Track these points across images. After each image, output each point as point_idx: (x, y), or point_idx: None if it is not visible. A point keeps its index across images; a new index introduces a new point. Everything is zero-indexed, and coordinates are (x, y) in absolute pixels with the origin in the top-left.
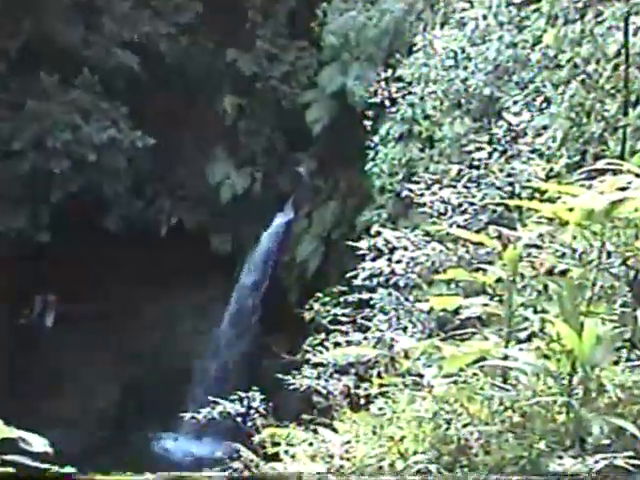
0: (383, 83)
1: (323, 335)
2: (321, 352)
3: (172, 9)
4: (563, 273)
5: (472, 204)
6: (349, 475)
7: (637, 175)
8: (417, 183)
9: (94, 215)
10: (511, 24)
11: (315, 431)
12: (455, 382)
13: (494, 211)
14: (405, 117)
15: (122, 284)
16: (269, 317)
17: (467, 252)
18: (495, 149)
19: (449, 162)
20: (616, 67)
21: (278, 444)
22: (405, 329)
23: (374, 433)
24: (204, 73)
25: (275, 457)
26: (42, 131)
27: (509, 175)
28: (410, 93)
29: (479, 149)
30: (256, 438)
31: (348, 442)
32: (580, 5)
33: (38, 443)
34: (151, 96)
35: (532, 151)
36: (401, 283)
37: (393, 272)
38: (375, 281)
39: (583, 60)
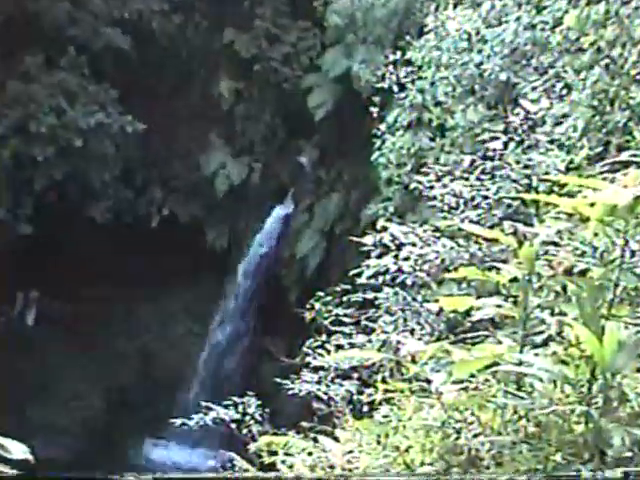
0: (391, 67)
1: (324, 337)
2: (322, 355)
3: None
4: (583, 273)
5: (486, 198)
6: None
7: None
8: (427, 175)
9: (80, 205)
10: (530, 4)
11: (315, 440)
12: (465, 389)
13: (509, 205)
14: (414, 104)
15: (110, 280)
16: (267, 317)
17: (480, 249)
18: (511, 139)
19: (461, 152)
20: None
21: (275, 453)
22: (412, 331)
23: (378, 442)
24: (199, 54)
25: (272, 467)
26: (25, 115)
27: (526, 167)
28: (420, 78)
29: (494, 139)
30: (252, 447)
31: (350, 452)
32: None
33: (17, 450)
34: (142, 79)
35: (551, 141)
36: (408, 282)
37: (400, 270)
38: (380, 279)
39: (607, 44)
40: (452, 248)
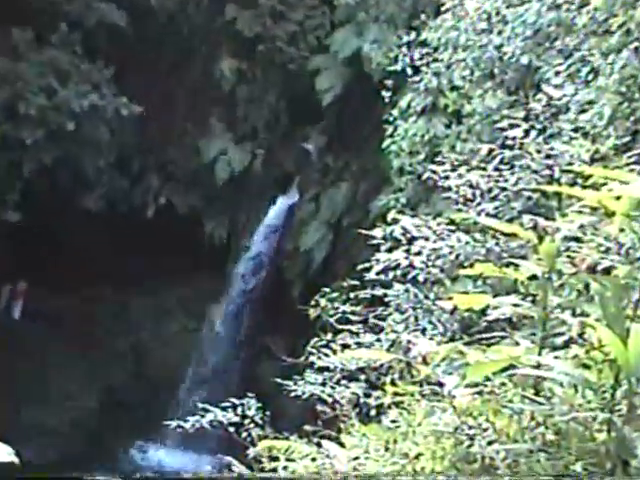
0: (405, 48)
1: (329, 335)
2: (327, 355)
3: None
4: (607, 271)
5: (504, 189)
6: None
7: None
8: (441, 164)
9: (72, 193)
10: None
11: (319, 445)
12: (480, 393)
13: (529, 198)
14: (429, 88)
15: (102, 273)
16: (268, 314)
17: (497, 244)
18: (532, 126)
19: (479, 141)
20: None
21: (276, 459)
22: (424, 331)
23: (386, 449)
24: (200, 32)
25: (272, 473)
26: (13, 95)
27: (547, 157)
28: (436, 60)
29: (514, 126)
30: (251, 451)
31: (356, 458)
32: None
33: (2, 452)
34: (138, 58)
35: (575, 130)
36: (420, 278)
37: (411, 265)
38: (390, 275)
39: (637, 25)
40: (467, 243)
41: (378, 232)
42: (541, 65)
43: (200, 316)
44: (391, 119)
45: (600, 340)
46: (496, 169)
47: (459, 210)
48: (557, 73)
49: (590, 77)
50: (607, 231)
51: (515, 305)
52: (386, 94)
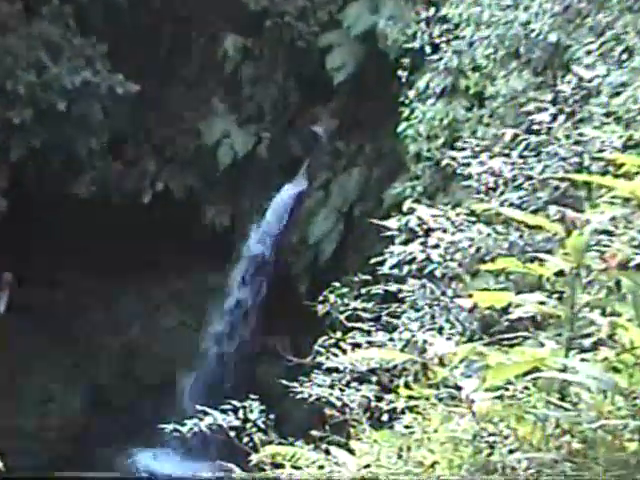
0: (423, 24)
1: (339, 334)
2: (336, 355)
3: None
4: None
5: (529, 178)
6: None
7: None
8: (461, 150)
9: (62, 178)
10: None
11: (327, 451)
12: (501, 397)
13: (556, 187)
14: (449, 67)
15: (93, 264)
16: (273, 310)
17: (521, 237)
18: (560, 110)
19: (502, 125)
20: None
21: (281, 466)
22: (441, 330)
23: (399, 457)
24: (202, 7)
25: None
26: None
27: (577, 143)
28: (457, 38)
29: (540, 110)
30: (254, 458)
31: (367, 466)
32: None
33: None
34: (135, 32)
35: (607, 114)
36: (438, 273)
37: (428, 259)
38: (405, 269)
39: None
40: (489, 235)
41: (392, 223)
42: (571, 44)
43: (198, 311)
44: (408, 101)
45: (632, 342)
46: (521, 156)
47: (480, 200)
48: (588, 52)
49: (624, 57)
50: None
51: (540, 303)
52: (402, 74)
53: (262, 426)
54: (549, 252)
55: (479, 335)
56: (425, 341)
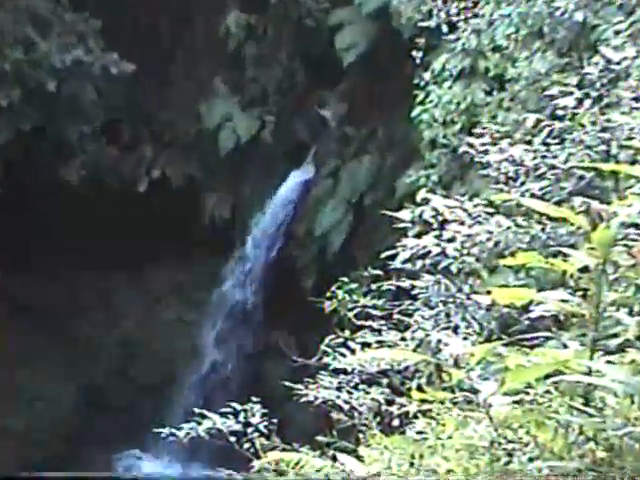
0: (440, 1)
1: (347, 333)
2: (344, 355)
3: None
4: None
5: (552, 167)
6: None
7: None
8: (480, 136)
9: (52, 164)
10: None
11: (334, 458)
12: (520, 402)
13: (582, 177)
14: (468, 48)
15: (86, 255)
16: (277, 307)
17: (543, 230)
18: (586, 94)
19: (524, 110)
20: None
21: (284, 473)
22: (456, 329)
23: (411, 464)
24: None
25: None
26: None
27: (604, 130)
28: (476, 16)
29: (565, 94)
30: (255, 464)
31: (377, 474)
32: None
33: None
34: (132, 7)
35: (636, 99)
36: (453, 268)
37: (443, 253)
38: (419, 264)
39: None
40: (509, 228)
41: (405, 214)
42: (598, 23)
43: (198, 306)
44: (423, 83)
45: None
46: (544, 143)
47: (499, 190)
48: (617, 33)
49: None
50: None
51: (563, 301)
52: (417, 54)
53: (264, 431)
54: (573, 246)
55: (497, 335)
56: (439, 341)
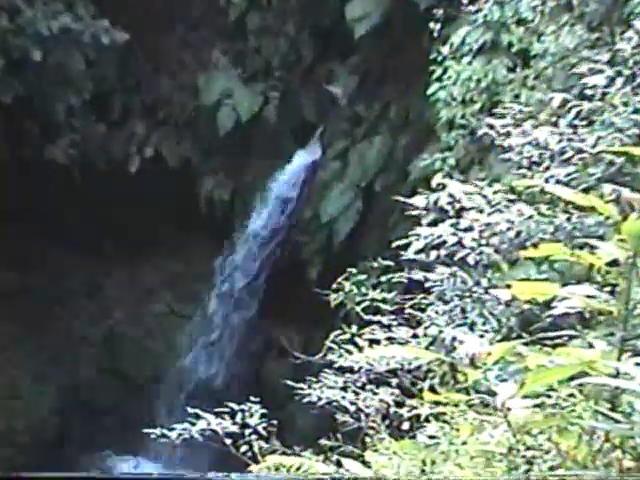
0: None
1: (354, 328)
2: (350, 352)
3: None
4: None
5: (580, 151)
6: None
7: None
8: (501, 117)
9: (36, 139)
10: None
11: (338, 463)
12: (541, 406)
13: (611, 163)
14: (489, 20)
15: (71, 242)
16: (278, 299)
17: (569, 220)
18: (618, 73)
19: (550, 89)
20: None
21: None
22: (473, 326)
23: (422, 471)
24: None
25: None
26: None
27: (636, 111)
28: None
29: (595, 72)
30: (253, 468)
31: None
32: None
33: None
34: None
35: None
36: (470, 260)
37: (460, 243)
38: (433, 255)
39: None
40: (531, 217)
41: (419, 200)
42: None
43: (192, 298)
44: (440, 58)
45: None
46: (571, 125)
47: (522, 176)
48: None
49: None
50: None
51: (589, 297)
52: (435, 26)
53: (263, 433)
54: (601, 238)
55: (517, 333)
56: (454, 338)
